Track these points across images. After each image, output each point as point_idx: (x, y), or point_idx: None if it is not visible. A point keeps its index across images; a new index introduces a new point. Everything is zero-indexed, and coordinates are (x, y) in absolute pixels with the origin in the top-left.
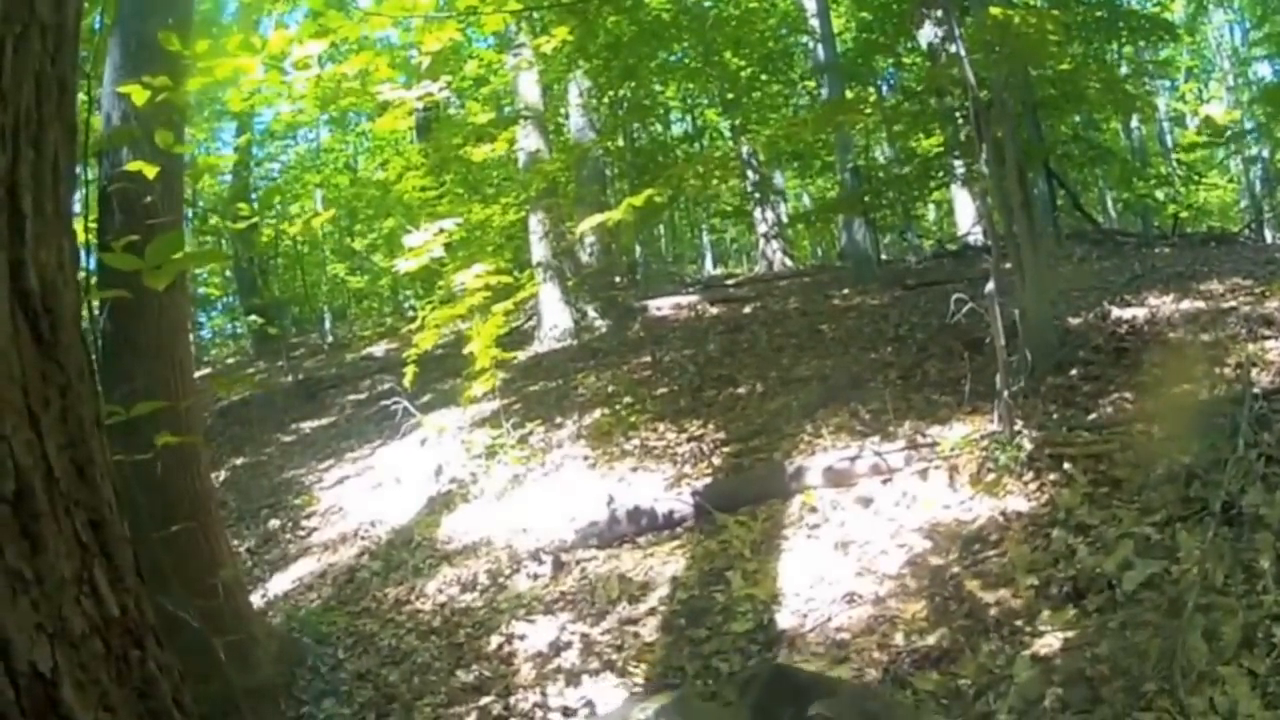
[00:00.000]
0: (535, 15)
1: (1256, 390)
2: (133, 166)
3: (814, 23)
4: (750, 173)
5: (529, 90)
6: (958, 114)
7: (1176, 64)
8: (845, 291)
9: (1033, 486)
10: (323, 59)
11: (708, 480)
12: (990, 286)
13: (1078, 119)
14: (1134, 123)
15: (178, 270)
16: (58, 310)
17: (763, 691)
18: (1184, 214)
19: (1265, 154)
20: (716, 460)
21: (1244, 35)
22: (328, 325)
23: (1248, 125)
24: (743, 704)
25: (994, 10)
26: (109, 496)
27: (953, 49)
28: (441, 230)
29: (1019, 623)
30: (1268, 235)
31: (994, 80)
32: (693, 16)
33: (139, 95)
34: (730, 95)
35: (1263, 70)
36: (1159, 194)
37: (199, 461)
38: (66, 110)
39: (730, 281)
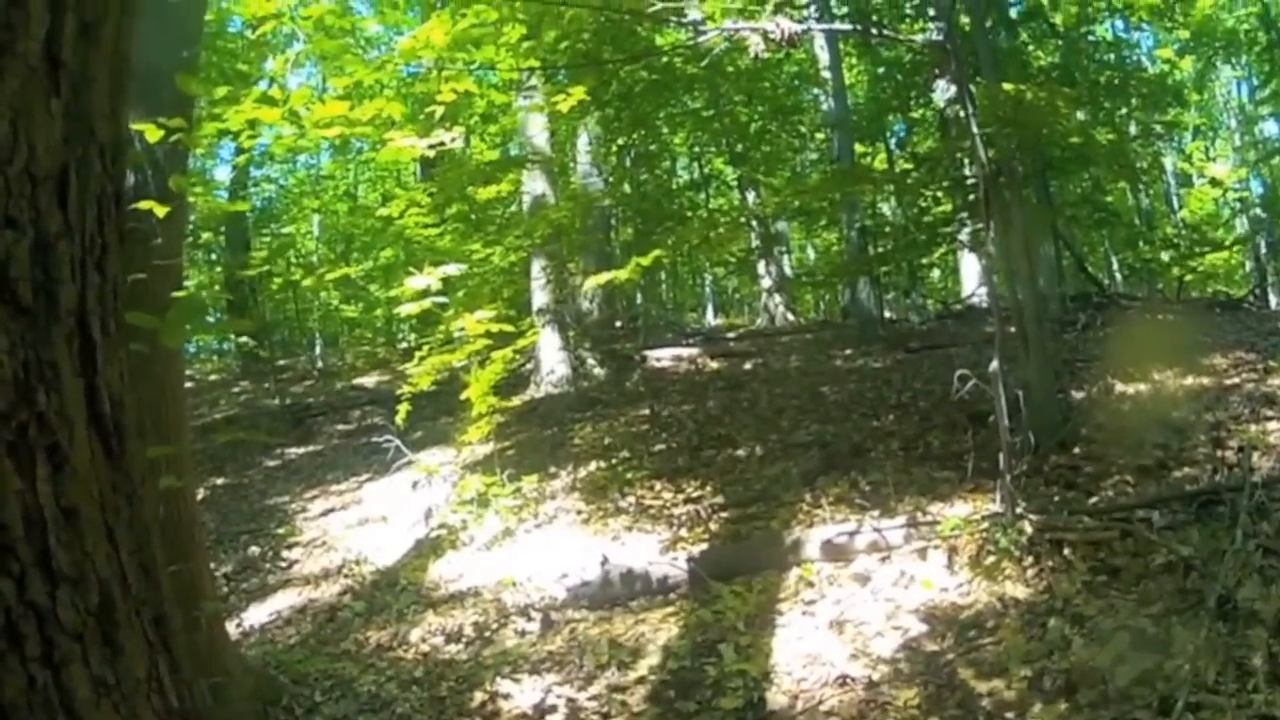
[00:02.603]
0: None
1: (1256, 478)
2: (143, 205)
3: (826, 74)
4: (755, 224)
5: (537, 133)
6: (967, 179)
7: (1183, 123)
8: (848, 352)
9: (1031, 572)
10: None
11: (704, 546)
12: (994, 366)
13: (1086, 180)
14: (1140, 180)
15: (197, 334)
16: (124, 422)
17: None
18: (1189, 277)
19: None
20: (714, 525)
21: (1251, 92)
22: (318, 351)
23: (1255, 185)
24: None
25: (1007, 86)
26: (168, 591)
27: (962, 115)
28: (445, 276)
29: (1011, 715)
30: (1272, 300)
31: (1004, 149)
32: (705, 66)
33: (152, 134)
34: (739, 147)
35: (1270, 128)
36: (1164, 256)
37: (187, 487)
38: (121, 220)
39: (731, 334)
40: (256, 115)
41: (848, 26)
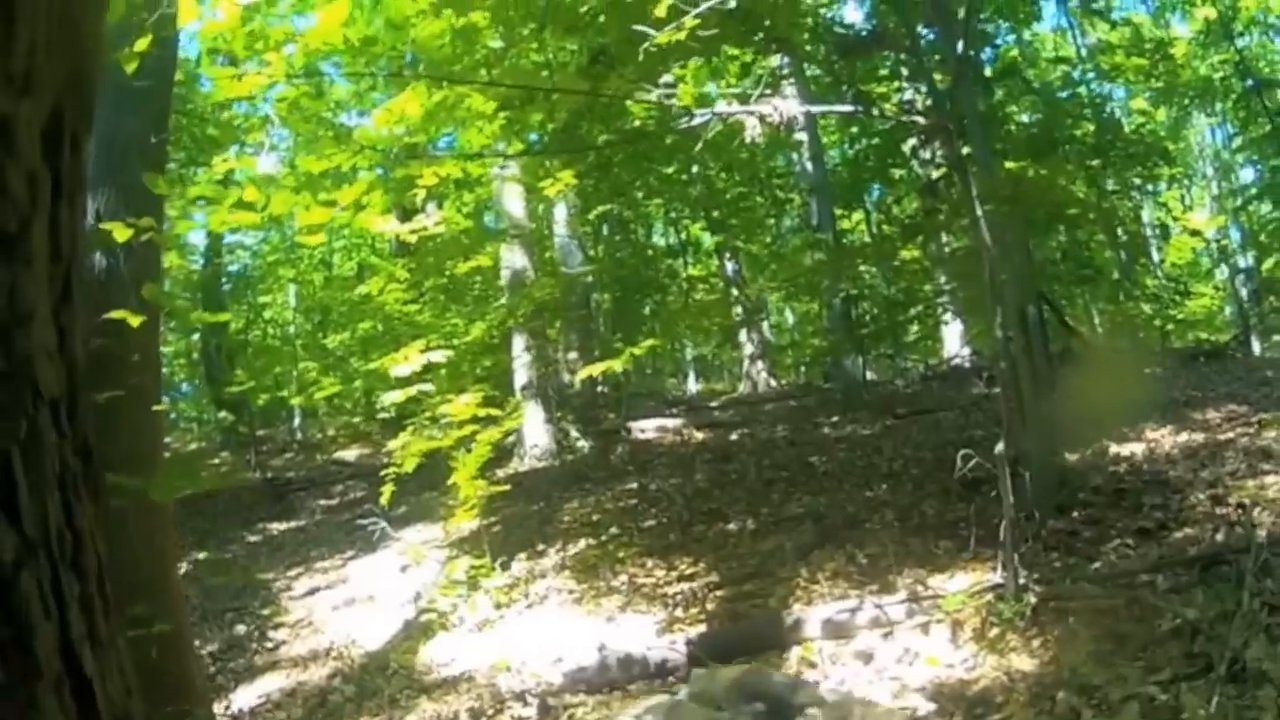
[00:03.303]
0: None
1: (1260, 536)
2: (116, 315)
3: (800, 136)
4: (736, 293)
5: (513, 204)
6: (955, 252)
7: (1161, 175)
8: (834, 419)
9: (1037, 643)
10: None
11: (701, 627)
12: (1000, 449)
13: (1063, 238)
14: (1120, 236)
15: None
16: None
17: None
18: (1171, 327)
19: (1251, 262)
20: (710, 605)
21: (1227, 139)
22: (297, 423)
23: (1233, 232)
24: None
25: (1010, 164)
26: None
27: (957, 193)
28: (430, 364)
29: None
30: (1255, 346)
31: (995, 229)
32: (680, 134)
33: (121, 233)
34: (715, 213)
35: (1246, 175)
36: (1146, 308)
37: (172, 570)
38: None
39: (715, 403)
40: (235, 220)
41: (848, 107)
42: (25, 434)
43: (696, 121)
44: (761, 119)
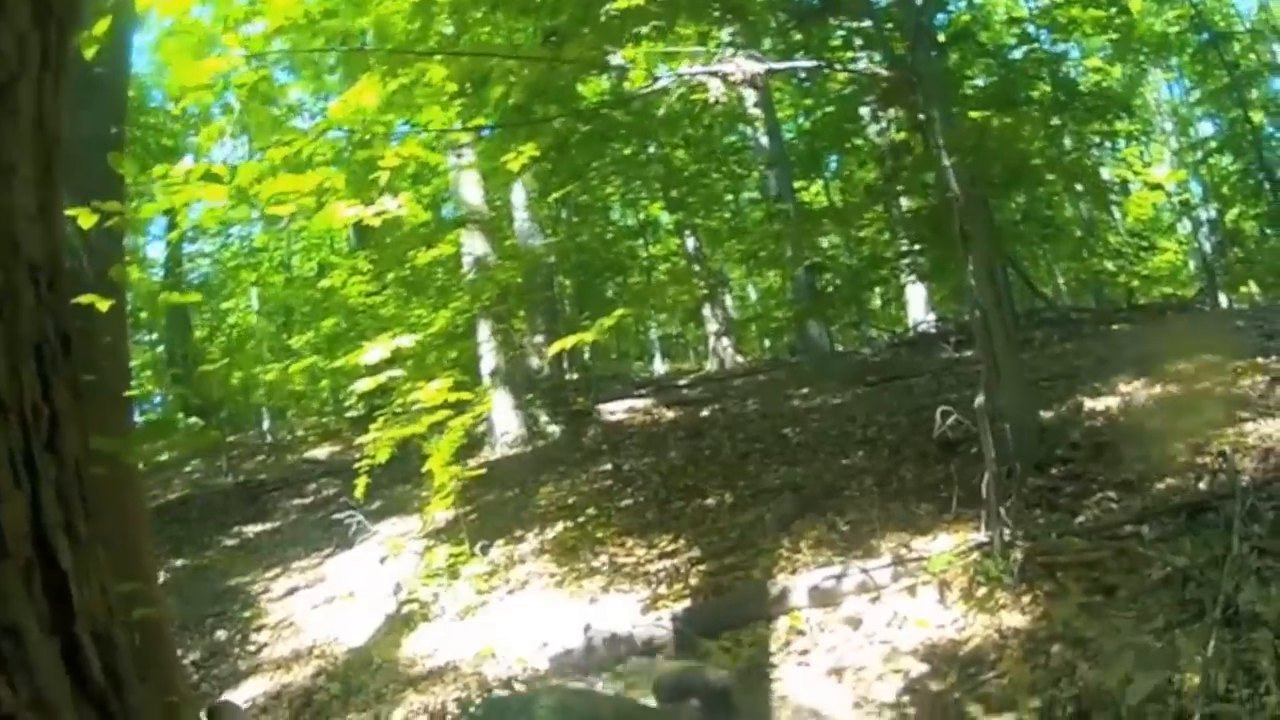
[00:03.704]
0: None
1: (1244, 482)
2: (85, 299)
3: (754, 111)
4: (698, 268)
5: (470, 192)
6: (922, 210)
7: (1118, 130)
8: (805, 390)
9: (1026, 599)
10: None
11: (686, 603)
12: (980, 401)
13: (1021, 198)
14: (1080, 194)
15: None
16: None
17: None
18: (1135, 283)
19: (1213, 215)
20: (693, 580)
21: (1184, 93)
22: (266, 425)
23: (1194, 186)
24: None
25: (973, 114)
26: None
27: (924, 147)
28: (399, 348)
29: None
30: (1221, 299)
31: (961, 178)
32: (635, 113)
33: (86, 219)
34: (674, 192)
35: (1205, 128)
36: (1109, 265)
37: (147, 555)
38: (75, 374)
39: (683, 382)
40: (202, 194)
41: (810, 63)
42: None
43: (659, 84)
44: (724, 78)
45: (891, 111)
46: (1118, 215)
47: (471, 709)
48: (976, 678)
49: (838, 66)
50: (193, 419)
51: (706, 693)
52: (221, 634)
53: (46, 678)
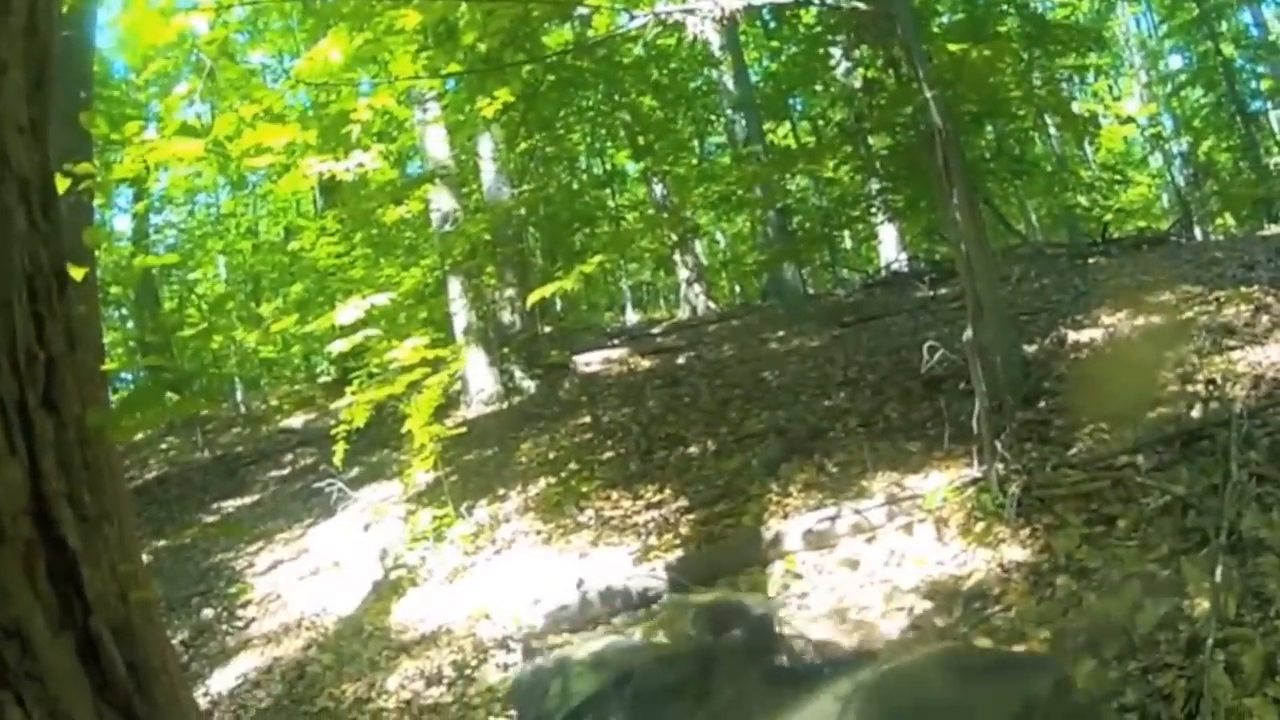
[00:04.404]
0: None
1: (1237, 409)
2: None
3: (718, 54)
4: (667, 215)
5: (437, 147)
6: (895, 148)
7: (1088, 64)
8: (780, 334)
9: (1025, 533)
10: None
11: (679, 552)
12: (969, 334)
13: (991, 133)
14: (1051, 131)
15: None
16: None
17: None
18: (1109, 217)
19: (1185, 148)
20: (683, 529)
21: (1153, 27)
22: (239, 396)
23: (1165, 120)
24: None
25: (951, 46)
26: None
27: (901, 80)
28: (374, 306)
29: None
30: (1197, 232)
31: (942, 110)
32: (601, 60)
33: (58, 184)
34: (640, 139)
35: (1174, 62)
36: (1083, 200)
37: (140, 565)
38: (68, 304)
39: (657, 330)
40: (177, 152)
41: None
42: None
43: (636, 23)
44: (703, 16)
45: (863, 49)
46: (1089, 150)
47: (510, 683)
48: (982, 612)
49: (815, 1)
50: (168, 393)
51: (748, 623)
52: (208, 612)
53: (62, 687)
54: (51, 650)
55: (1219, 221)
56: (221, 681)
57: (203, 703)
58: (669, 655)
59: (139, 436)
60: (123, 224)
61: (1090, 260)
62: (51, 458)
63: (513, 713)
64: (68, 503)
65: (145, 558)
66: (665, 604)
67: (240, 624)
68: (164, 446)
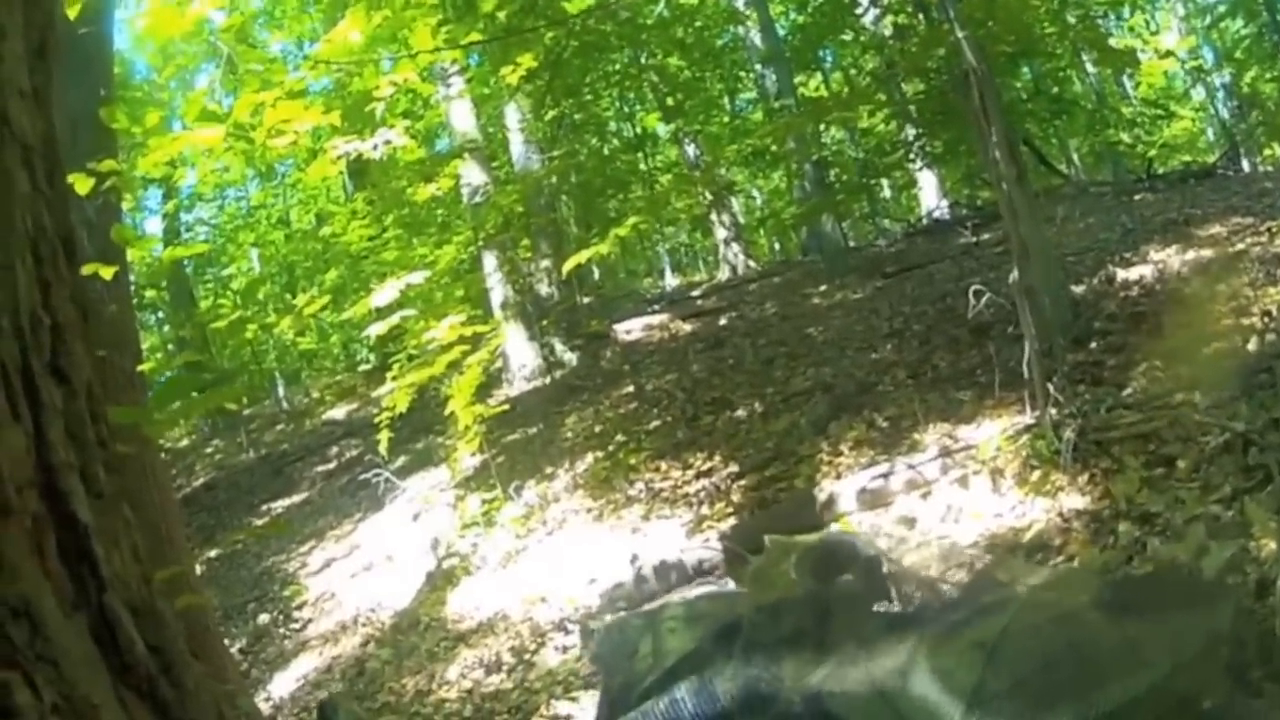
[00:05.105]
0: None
1: None
2: (88, 268)
3: (745, 10)
4: (701, 174)
5: (463, 121)
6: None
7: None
8: (823, 288)
9: (1083, 479)
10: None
11: (732, 521)
12: (1015, 276)
13: (1027, 73)
14: (1090, 69)
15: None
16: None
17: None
18: (1153, 153)
19: (1228, 80)
20: (735, 496)
21: None
22: (281, 392)
23: (1206, 52)
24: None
25: None
26: None
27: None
28: (409, 286)
29: None
30: (1244, 164)
31: (976, 50)
32: (625, 22)
33: (82, 184)
34: (670, 100)
35: None
36: (1125, 136)
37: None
38: (75, 275)
39: (696, 293)
40: (200, 139)
41: None
42: None
43: None
44: None
45: None
46: (1129, 86)
47: (589, 635)
48: (1045, 564)
49: None
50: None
51: (859, 566)
52: (264, 617)
53: (77, 669)
54: (64, 631)
55: (1266, 152)
56: (282, 685)
57: (265, 708)
58: (777, 604)
59: (184, 443)
60: (154, 225)
61: (1136, 197)
62: (59, 428)
63: (592, 683)
64: (80, 477)
65: (198, 568)
66: (767, 546)
67: (297, 626)
68: (209, 450)
